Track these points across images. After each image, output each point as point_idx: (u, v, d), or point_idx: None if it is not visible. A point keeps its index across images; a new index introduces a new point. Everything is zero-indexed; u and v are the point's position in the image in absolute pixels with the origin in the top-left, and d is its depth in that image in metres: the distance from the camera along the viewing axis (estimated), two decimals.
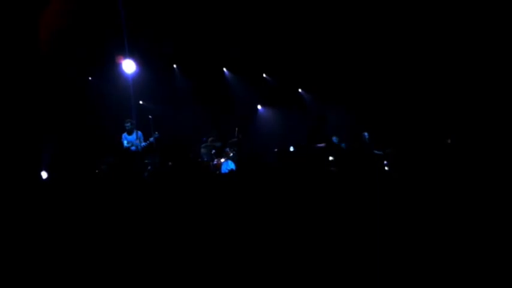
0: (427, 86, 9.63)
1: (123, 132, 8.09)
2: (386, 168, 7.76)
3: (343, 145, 10.04)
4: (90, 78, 11.41)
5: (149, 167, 8.38)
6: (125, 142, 7.98)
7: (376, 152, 8.98)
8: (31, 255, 2.66)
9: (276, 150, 10.30)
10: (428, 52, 9.34)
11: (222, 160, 9.13)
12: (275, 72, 12.16)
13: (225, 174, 8.28)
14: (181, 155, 9.95)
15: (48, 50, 9.29)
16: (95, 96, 10.98)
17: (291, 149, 10.20)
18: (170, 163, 9.11)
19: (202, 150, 9.51)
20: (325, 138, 9.72)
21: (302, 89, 12.67)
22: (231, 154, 9.33)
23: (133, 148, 7.88)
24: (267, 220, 3.18)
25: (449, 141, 8.48)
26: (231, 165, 9.03)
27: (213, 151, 9.40)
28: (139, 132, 7.97)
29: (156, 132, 8.07)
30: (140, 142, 7.87)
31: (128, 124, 7.97)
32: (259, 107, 13.28)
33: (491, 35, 8.26)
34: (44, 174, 8.99)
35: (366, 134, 9.74)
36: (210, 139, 9.64)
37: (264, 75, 12.55)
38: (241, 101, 12.38)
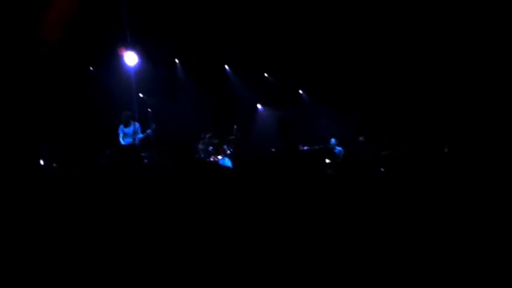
0: (428, 91, 9.65)
1: (121, 124, 8.06)
2: (382, 170, 7.77)
3: (339, 149, 10.05)
4: (91, 68, 11.38)
5: (145, 160, 8.36)
6: (121, 134, 7.94)
7: (371, 154, 8.99)
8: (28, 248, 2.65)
9: (273, 150, 10.29)
10: (429, 56, 9.36)
11: (219, 157, 9.12)
12: (276, 72, 12.15)
13: (222, 168, 8.27)
14: (178, 150, 9.93)
15: (49, 40, 9.29)
16: (95, 87, 10.95)
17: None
18: (168, 160, 9.07)
19: (200, 147, 9.49)
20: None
21: (303, 90, 12.67)
22: (228, 152, 9.32)
23: (128, 140, 7.84)
24: (263, 220, 3.17)
25: (446, 150, 8.48)
26: (227, 162, 9.02)
27: (211, 148, 9.38)
28: (136, 124, 7.93)
29: (154, 124, 8.03)
30: (137, 134, 7.83)
31: (124, 117, 7.94)
32: (259, 106, 13.27)
33: (490, 37, 8.28)
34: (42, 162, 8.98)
35: (361, 138, 9.78)
36: (208, 135, 9.62)
37: (266, 74, 12.54)
38: (241, 99, 12.37)
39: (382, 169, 7.93)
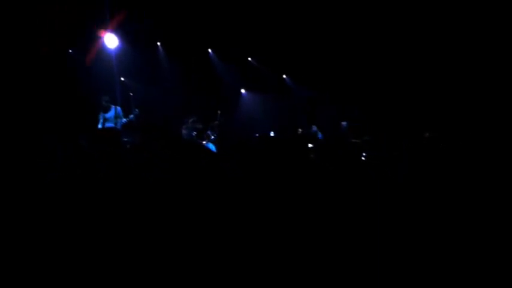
0: (411, 78, 9.74)
1: (100, 110, 7.90)
2: (363, 158, 7.86)
3: (320, 135, 10.11)
4: (70, 50, 11.07)
5: (128, 146, 8.24)
6: (101, 120, 7.79)
7: (353, 140, 9.07)
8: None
9: (257, 135, 10.30)
10: (415, 45, 9.42)
11: (203, 142, 9.08)
12: (260, 56, 12.07)
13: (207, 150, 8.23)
14: (162, 134, 9.80)
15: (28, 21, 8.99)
16: (75, 70, 10.67)
17: (271, 134, 10.23)
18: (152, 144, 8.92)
19: (183, 132, 9.41)
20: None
21: (287, 75, 12.65)
22: (212, 137, 9.28)
23: (110, 125, 7.70)
24: (250, 208, 3.17)
25: (427, 134, 8.62)
26: (211, 147, 9.00)
27: (194, 133, 9.31)
28: (118, 108, 7.78)
29: (137, 109, 7.92)
30: (120, 118, 7.69)
31: (103, 102, 7.78)
32: (242, 91, 13.20)
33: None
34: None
35: (344, 123, 9.84)
36: (191, 120, 9.53)
37: (250, 59, 12.44)
38: (225, 84, 12.27)
39: (364, 154, 8.03)
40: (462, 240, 2.55)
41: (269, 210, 3.03)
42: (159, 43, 11.87)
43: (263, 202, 3.17)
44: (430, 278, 2.20)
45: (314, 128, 10.14)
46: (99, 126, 7.76)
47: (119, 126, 7.71)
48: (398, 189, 3.48)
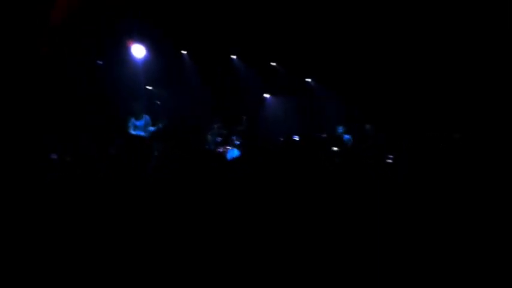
0: (439, 80, 9.54)
1: (131, 117, 8.08)
2: (390, 160, 7.73)
3: (347, 137, 10.00)
4: (99, 62, 11.41)
5: (156, 153, 8.43)
6: (132, 127, 7.98)
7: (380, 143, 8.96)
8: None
9: (281, 139, 10.31)
10: (441, 46, 9.23)
11: (228, 148, 9.18)
12: (284, 61, 12.09)
13: (231, 161, 8.33)
14: (187, 142, 9.99)
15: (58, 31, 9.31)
16: (104, 80, 10.98)
17: (296, 138, 10.21)
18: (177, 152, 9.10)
19: (209, 138, 9.55)
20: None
21: (310, 79, 12.62)
22: (237, 142, 9.37)
23: (139, 133, 7.90)
24: (269, 214, 3.20)
25: (457, 136, 8.40)
26: (236, 153, 9.08)
27: (219, 139, 9.43)
28: (147, 117, 7.96)
29: (165, 120, 8.05)
30: (148, 126, 7.87)
31: (136, 109, 7.97)
32: (267, 95, 13.25)
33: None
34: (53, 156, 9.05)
35: (367, 126, 9.72)
36: (216, 126, 9.66)
37: (273, 63, 12.49)
38: (249, 89, 12.36)
39: (390, 157, 7.90)
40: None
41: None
42: (184, 51, 12.08)
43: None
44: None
45: (340, 129, 10.05)
46: (132, 131, 7.94)
47: (147, 134, 7.90)
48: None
